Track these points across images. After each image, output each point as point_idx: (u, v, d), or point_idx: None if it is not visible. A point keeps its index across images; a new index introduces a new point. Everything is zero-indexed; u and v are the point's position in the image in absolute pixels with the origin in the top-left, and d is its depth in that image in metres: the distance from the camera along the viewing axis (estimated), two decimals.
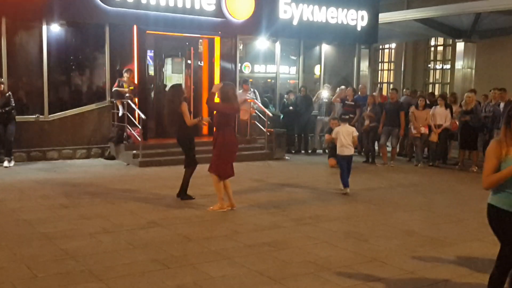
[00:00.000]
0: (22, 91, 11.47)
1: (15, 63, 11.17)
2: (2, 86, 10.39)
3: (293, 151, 13.92)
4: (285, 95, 14.13)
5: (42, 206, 7.28)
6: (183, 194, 7.94)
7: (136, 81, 12.02)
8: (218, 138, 7.28)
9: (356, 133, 8.96)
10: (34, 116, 11.29)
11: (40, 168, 10.52)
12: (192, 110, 13.09)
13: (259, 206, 7.65)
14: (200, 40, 13.57)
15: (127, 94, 11.60)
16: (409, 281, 4.87)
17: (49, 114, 11.44)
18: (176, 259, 5.24)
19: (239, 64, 13.94)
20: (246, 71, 14.57)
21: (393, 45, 22.95)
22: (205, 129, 13.07)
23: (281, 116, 14.07)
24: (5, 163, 10.39)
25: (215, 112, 7.43)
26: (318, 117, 14.14)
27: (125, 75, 11.74)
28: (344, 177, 8.79)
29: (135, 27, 12.01)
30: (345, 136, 8.78)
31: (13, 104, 10.43)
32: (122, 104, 11.61)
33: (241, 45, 14.19)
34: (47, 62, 11.33)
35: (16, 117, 10.61)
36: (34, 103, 11.46)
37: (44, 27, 11.25)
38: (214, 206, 7.32)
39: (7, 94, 10.40)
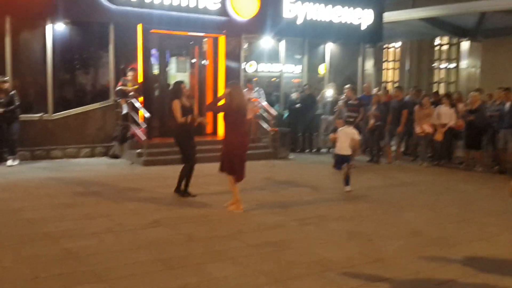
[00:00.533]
0: (26, 90, 11.48)
1: (19, 62, 11.17)
2: (6, 85, 10.40)
3: (297, 150, 13.88)
4: (292, 93, 14.13)
5: (46, 205, 7.27)
6: (177, 189, 7.99)
7: (140, 80, 12.01)
8: (224, 138, 7.27)
9: (357, 137, 9.00)
10: (38, 115, 11.29)
11: (44, 167, 10.52)
12: (197, 109, 13.08)
13: (263, 205, 7.62)
14: (205, 39, 13.54)
15: (131, 93, 11.59)
16: (414, 281, 4.83)
17: (53, 113, 11.45)
18: (179, 259, 5.21)
19: (244, 63, 13.92)
20: (251, 70, 14.54)
21: (398, 44, 22.88)
22: (208, 128, 13.05)
23: (286, 115, 14.03)
24: (9, 162, 10.40)
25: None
26: (323, 116, 14.09)
27: (129, 74, 11.73)
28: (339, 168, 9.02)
29: (139, 26, 12.00)
30: (345, 137, 8.87)
31: (17, 103, 10.43)
32: (126, 103, 11.59)
33: (246, 44, 14.16)
34: (52, 61, 11.33)
35: (20, 115, 10.61)
36: (38, 102, 11.46)
37: (49, 26, 11.25)
38: (232, 206, 7.25)
39: (11, 93, 10.40)
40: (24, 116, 10.80)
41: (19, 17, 10.95)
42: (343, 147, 8.91)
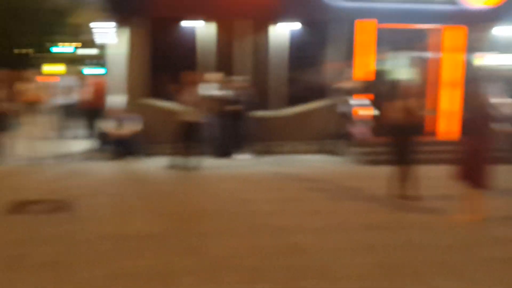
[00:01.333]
0: (258, 89, 12.32)
1: (254, 62, 12.06)
2: (244, 84, 11.34)
3: None
4: None
5: (274, 198, 7.71)
6: (398, 195, 7.72)
7: (362, 77, 11.95)
8: (464, 141, 6.81)
9: None
10: (269, 112, 12.07)
11: (272, 161, 11.16)
12: (426, 106, 12.47)
13: (495, 216, 6.81)
14: (435, 31, 12.76)
15: (354, 91, 11.59)
16: None
17: (281, 110, 12.12)
18: (401, 266, 5.03)
19: (480, 56, 12.72)
20: (488, 63, 13.21)
21: None
22: (428, 127, 12.29)
23: None
24: (243, 156, 11.33)
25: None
26: None
27: (350, 71, 11.77)
28: None
29: (362, 21, 11.91)
30: None
31: (252, 100, 11.29)
32: (349, 100, 11.64)
33: (482, 35, 12.90)
34: (288, 61, 12.01)
35: (251, 113, 11.42)
36: (268, 100, 12.22)
37: (278, 27, 11.93)
38: (463, 215, 6.66)
39: (247, 92, 11.32)
40: (256, 113, 11.65)
41: (255, 19, 11.78)
42: None
